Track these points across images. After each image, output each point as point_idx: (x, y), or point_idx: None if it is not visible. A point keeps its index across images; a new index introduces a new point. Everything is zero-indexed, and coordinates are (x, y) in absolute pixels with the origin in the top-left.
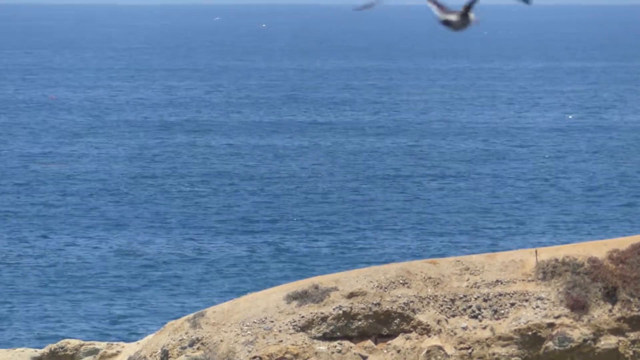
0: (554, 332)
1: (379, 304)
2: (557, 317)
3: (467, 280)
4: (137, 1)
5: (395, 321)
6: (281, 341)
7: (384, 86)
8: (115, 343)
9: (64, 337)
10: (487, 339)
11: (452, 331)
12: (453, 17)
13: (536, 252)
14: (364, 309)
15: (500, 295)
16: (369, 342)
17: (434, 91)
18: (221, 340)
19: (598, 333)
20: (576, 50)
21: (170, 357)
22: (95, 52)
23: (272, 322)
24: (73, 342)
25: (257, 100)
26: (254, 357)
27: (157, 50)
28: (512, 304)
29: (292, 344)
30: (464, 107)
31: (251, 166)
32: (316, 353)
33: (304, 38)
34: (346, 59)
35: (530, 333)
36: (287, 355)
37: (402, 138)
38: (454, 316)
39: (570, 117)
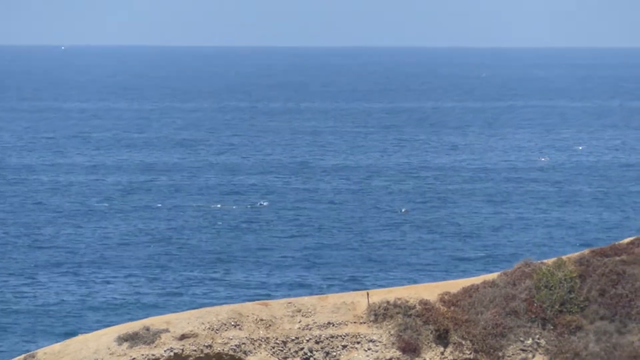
0: None
1: (210, 346)
2: None
3: (299, 322)
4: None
5: None
6: None
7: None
8: None
9: None
10: None
11: None
12: None
13: (368, 294)
14: (195, 350)
15: (332, 337)
16: None
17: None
18: None
19: None
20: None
21: None
22: None
23: None
24: None
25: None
26: None
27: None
28: (344, 346)
29: None
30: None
31: (81, 204)
32: None
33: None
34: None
35: None
36: None
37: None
38: (285, 358)
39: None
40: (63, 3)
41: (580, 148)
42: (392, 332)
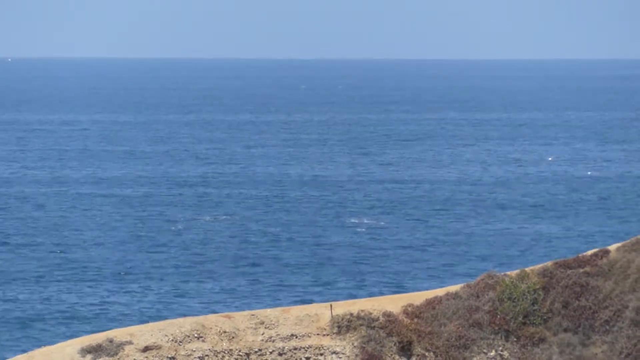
0: None
1: (173, 358)
2: None
3: (262, 334)
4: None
5: None
6: None
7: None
8: None
9: None
10: None
11: None
12: None
13: (331, 306)
14: None
15: (296, 349)
16: None
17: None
18: None
19: None
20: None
21: None
22: None
23: None
24: None
25: None
26: None
27: None
28: (307, 358)
29: None
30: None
31: (43, 214)
32: None
33: None
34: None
35: None
36: None
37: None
38: None
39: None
40: (10, 15)
41: (550, 159)
42: (355, 344)
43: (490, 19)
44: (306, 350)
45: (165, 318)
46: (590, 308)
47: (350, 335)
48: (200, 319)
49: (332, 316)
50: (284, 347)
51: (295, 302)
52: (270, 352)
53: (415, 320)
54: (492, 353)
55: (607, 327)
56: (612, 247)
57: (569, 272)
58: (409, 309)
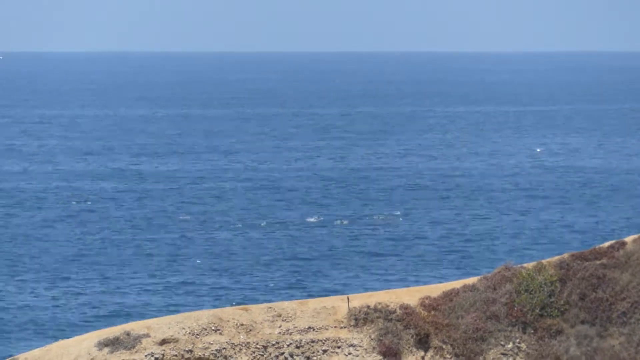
0: None
1: (191, 351)
2: None
3: (280, 326)
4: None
5: None
6: None
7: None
8: None
9: None
10: None
11: None
12: None
13: (348, 298)
14: (176, 355)
15: (313, 341)
16: None
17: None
18: None
19: None
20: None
21: None
22: None
23: None
24: None
25: None
26: None
27: None
28: (325, 351)
29: None
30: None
31: (58, 208)
32: None
33: None
34: None
35: None
36: None
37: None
38: None
39: None
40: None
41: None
42: (372, 336)
43: (487, 12)
44: (323, 343)
45: (182, 311)
46: (607, 300)
47: (368, 327)
48: (218, 311)
49: (349, 309)
50: (301, 340)
51: (312, 295)
52: (288, 345)
53: (433, 312)
54: (510, 345)
55: (625, 319)
56: (629, 239)
57: (586, 264)
58: (426, 301)
